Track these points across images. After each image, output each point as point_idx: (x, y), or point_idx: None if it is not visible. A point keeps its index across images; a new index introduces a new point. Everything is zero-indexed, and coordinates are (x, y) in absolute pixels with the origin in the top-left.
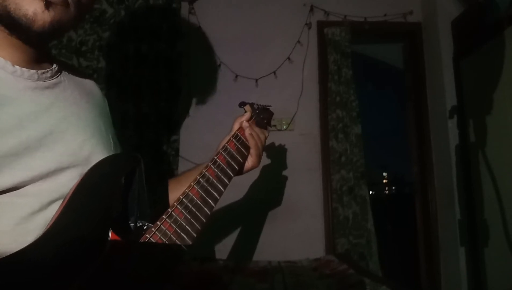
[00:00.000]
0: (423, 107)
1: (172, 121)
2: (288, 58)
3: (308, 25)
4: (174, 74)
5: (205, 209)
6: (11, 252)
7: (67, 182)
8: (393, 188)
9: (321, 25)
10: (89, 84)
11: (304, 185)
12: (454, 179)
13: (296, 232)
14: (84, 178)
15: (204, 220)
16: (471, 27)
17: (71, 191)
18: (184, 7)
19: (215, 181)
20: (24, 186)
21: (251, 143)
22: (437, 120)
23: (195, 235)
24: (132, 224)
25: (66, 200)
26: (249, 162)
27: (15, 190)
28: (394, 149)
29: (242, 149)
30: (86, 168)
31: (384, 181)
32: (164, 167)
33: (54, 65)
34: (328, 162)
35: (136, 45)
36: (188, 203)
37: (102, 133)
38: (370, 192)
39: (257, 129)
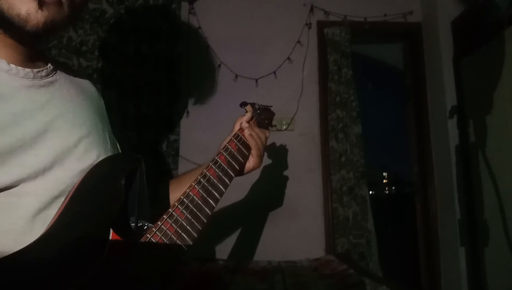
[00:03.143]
0: (423, 107)
1: (172, 121)
2: (288, 58)
3: (308, 25)
4: (174, 74)
5: (206, 209)
6: (11, 252)
7: (64, 178)
8: (393, 188)
9: (321, 25)
10: (85, 83)
11: (304, 185)
12: (454, 179)
13: (296, 232)
14: (85, 178)
15: (205, 220)
16: (471, 27)
17: (72, 191)
18: (184, 7)
19: (216, 181)
20: (20, 183)
21: (251, 143)
22: (437, 120)
23: (196, 235)
24: (133, 224)
25: (67, 200)
26: (250, 163)
27: (12, 188)
28: (394, 149)
29: (243, 149)
30: (82, 166)
31: (384, 181)
32: (164, 167)
33: (49, 64)
34: (328, 162)
35: (136, 45)
36: (189, 203)
37: (98, 131)
38: (370, 192)
39: (257, 129)
